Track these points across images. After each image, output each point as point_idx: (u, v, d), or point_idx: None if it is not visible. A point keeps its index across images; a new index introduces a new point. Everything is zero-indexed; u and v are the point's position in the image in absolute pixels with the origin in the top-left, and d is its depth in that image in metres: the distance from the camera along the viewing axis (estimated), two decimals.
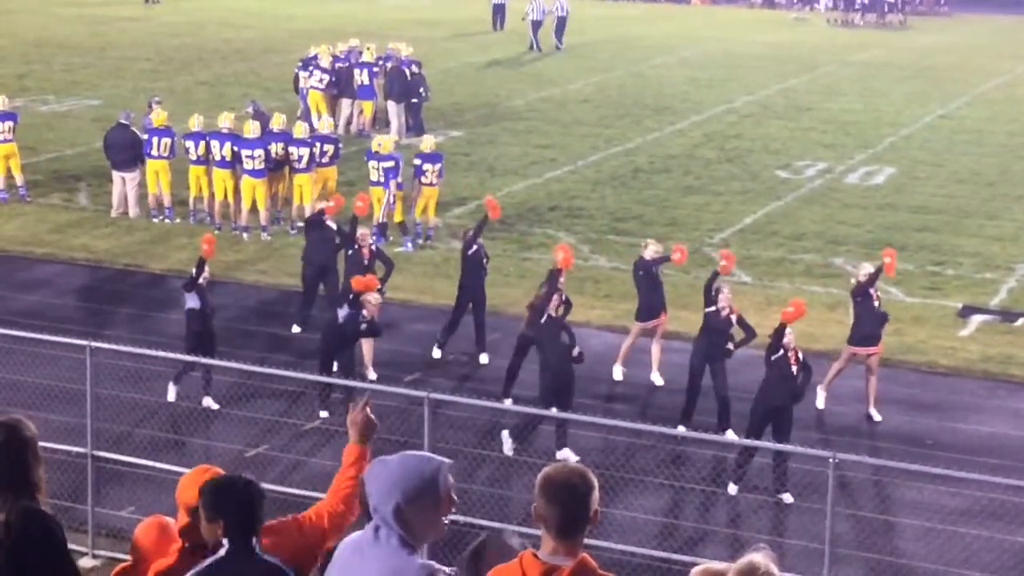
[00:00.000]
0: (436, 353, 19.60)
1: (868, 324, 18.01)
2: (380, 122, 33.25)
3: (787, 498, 15.39)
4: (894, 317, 21.27)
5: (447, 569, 5.50)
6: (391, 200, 24.44)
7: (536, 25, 48.93)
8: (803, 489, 15.26)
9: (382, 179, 24.46)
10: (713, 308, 17.18)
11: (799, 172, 31.11)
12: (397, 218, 24.73)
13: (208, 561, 6.43)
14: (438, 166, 24.76)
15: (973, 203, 28.74)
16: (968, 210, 28.15)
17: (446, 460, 5.50)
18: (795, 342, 15.91)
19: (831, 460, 12.38)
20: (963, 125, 37.21)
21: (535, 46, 48.64)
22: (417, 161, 24.71)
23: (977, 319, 21.62)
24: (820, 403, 18.14)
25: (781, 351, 15.74)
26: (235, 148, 24.80)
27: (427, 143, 25.33)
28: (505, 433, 16.59)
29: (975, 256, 24.82)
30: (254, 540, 6.42)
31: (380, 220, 24.39)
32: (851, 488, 15.72)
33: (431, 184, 24.65)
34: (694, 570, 5.28)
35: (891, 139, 34.99)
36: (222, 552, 6.45)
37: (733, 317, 17.20)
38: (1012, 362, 19.89)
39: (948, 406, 18.54)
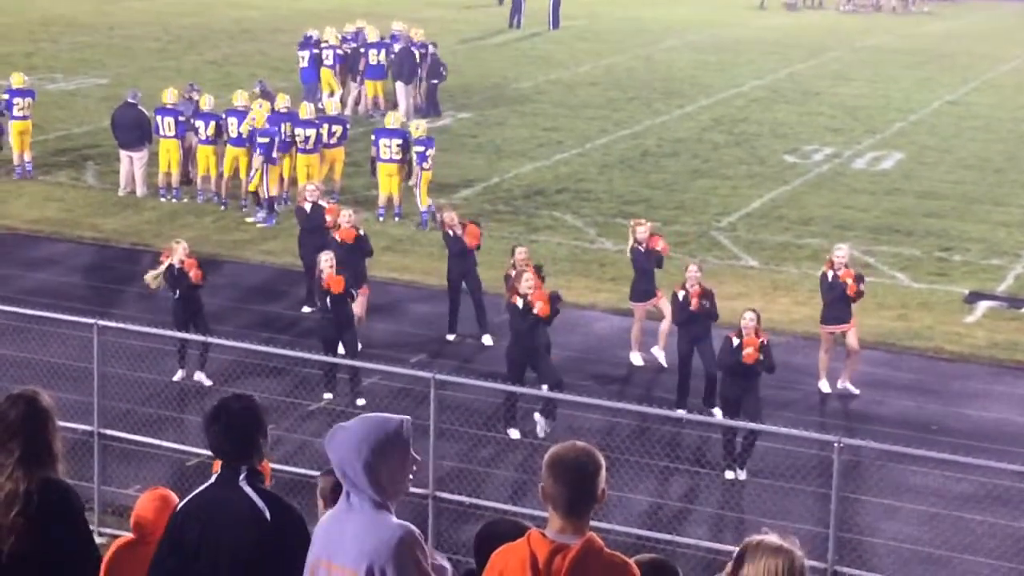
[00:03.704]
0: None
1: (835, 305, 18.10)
2: (387, 104, 33.20)
3: (738, 475, 15.74)
4: (900, 303, 21.31)
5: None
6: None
7: (516, 1, 48.96)
8: (808, 473, 15.28)
9: (394, 156, 24.54)
10: (683, 291, 17.23)
11: (807, 157, 31.08)
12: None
13: (198, 488, 6.35)
14: (433, 150, 24.79)
15: (980, 189, 28.71)
16: (975, 196, 28.11)
17: (405, 417, 5.55)
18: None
19: (836, 444, 12.40)
20: (971, 111, 37.15)
21: (510, 23, 48.76)
22: (420, 148, 24.60)
23: (984, 305, 21.60)
24: (825, 387, 18.19)
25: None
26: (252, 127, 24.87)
27: (423, 128, 25.21)
28: (537, 415, 16.63)
29: (982, 242, 24.79)
30: (244, 468, 6.20)
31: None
32: (856, 473, 15.72)
33: (429, 168, 24.65)
34: (749, 543, 5.21)
35: (899, 124, 34.94)
36: (212, 479, 6.31)
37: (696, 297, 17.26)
38: (1018, 348, 19.89)
39: (954, 392, 18.54)
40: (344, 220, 19.28)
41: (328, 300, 17.30)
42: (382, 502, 5.42)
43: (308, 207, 20.53)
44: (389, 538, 5.36)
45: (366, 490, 5.40)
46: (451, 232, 19.55)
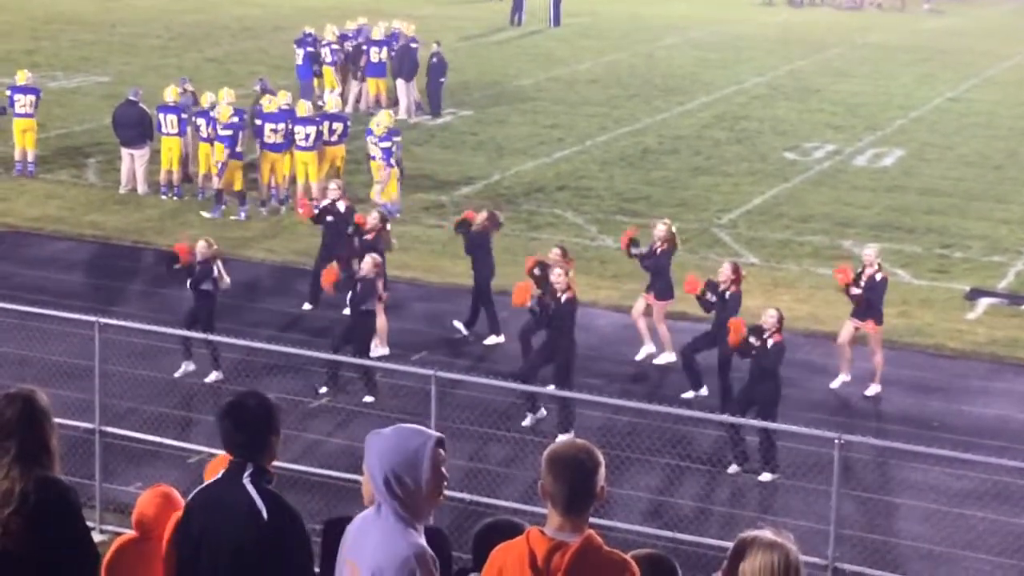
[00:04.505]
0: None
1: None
2: (388, 101, 33.20)
3: (766, 477, 15.64)
4: (901, 300, 21.30)
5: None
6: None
7: None
8: (808, 470, 15.28)
9: (381, 155, 24.59)
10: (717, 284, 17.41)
11: (807, 154, 31.08)
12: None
13: (204, 484, 6.39)
14: (392, 143, 24.82)
15: (981, 186, 28.71)
16: (976, 193, 28.11)
17: (435, 434, 5.48)
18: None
19: (836, 441, 12.40)
20: (972, 108, 37.14)
21: (511, 20, 48.77)
22: (386, 144, 24.43)
23: (984, 302, 21.61)
24: (836, 384, 18.25)
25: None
26: (257, 122, 24.86)
27: (383, 126, 25.02)
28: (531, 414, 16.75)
29: (983, 239, 24.80)
30: (250, 465, 6.23)
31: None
32: (856, 469, 15.73)
33: (395, 164, 24.71)
34: (744, 537, 5.19)
35: (900, 121, 34.94)
36: (220, 474, 6.33)
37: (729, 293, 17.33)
38: (1019, 345, 19.89)
39: (955, 388, 18.54)
40: (371, 221, 19.35)
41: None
42: (406, 517, 5.41)
43: (317, 209, 20.57)
44: (398, 555, 5.36)
45: (389, 503, 5.41)
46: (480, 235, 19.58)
